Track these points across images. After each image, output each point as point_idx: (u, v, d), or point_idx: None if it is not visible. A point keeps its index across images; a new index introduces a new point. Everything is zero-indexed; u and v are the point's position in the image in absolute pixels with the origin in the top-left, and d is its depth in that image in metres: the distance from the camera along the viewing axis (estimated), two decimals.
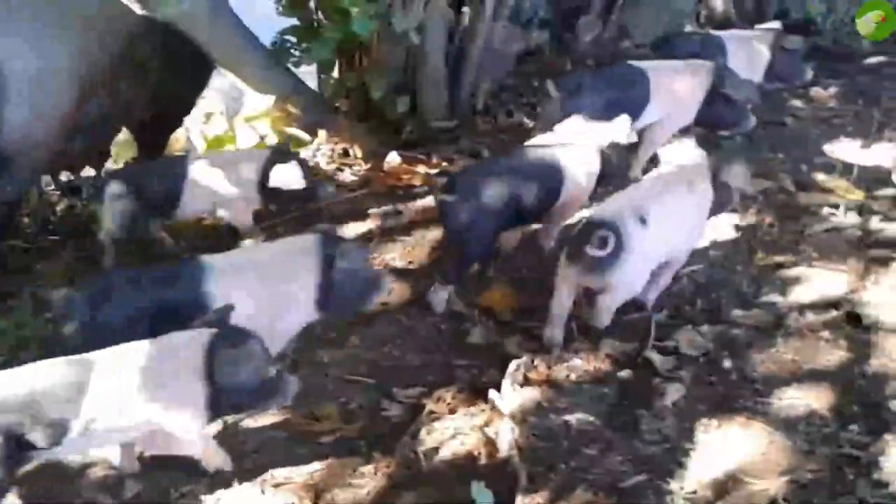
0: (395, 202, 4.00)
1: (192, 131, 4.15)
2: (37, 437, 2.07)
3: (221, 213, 3.59)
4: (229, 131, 4.07)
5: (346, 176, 4.33)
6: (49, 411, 2.07)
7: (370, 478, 2.44)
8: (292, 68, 4.56)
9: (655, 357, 2.81)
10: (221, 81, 4.70)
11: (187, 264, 2.69)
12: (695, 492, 2.29)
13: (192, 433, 2.28)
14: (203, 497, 2.38)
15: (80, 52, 3.68)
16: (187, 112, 4.50)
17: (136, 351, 2.20)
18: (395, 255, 3.59)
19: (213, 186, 3.49)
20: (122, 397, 2.14)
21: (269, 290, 2.57)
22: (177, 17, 3.92)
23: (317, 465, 2.48)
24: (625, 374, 2.78)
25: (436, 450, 2.52)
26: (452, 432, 2.58)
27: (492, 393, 2.66)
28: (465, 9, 4.57)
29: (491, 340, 3.05)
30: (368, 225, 3.82)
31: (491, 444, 2.50)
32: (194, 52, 4.16)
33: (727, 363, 2.79)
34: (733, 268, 3.33)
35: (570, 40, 5.23)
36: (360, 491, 2.39)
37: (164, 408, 2.18)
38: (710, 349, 2.85)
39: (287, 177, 3.54)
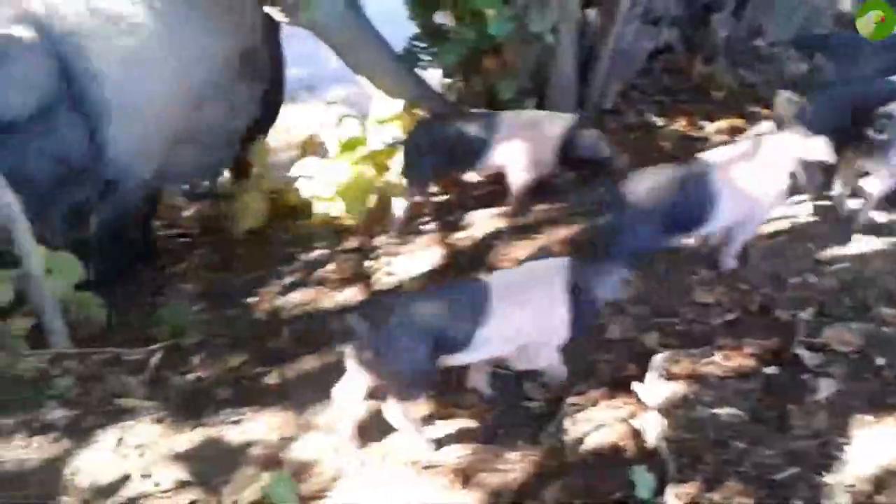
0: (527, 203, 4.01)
1: (325, 133, 4.26)
2: (452, 341, 2.46)
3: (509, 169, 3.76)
4: (362, 133, 4.16)
5: (473, 176, 4.37)
6: (460, 322, 2.47)
7: (517, 465, 2.46)
8: (420, 72, 4.63)
9: (804, 353, 2.74)
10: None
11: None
12: (853, 485, 2.23)
13: (553, 348, 2.64)
14: (355, 476, 2.44)
15: (195, 60, 3.81)
16: (272, 123, 4.69)
17: (518, 275, 2.66)
18: (525, 251, 3.61)
19: (511, 143, 3.67)
20: (511, 315, 2.52)
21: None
22: (317, 24, 4.04)
23: (463, 451, 2.51)
24: (771, 370, 2.72)
25: (580, 440, 2.53)
26: (596, 423, 2.58)
27: (635, 385, 2.65)
28: (596, 9, 4.58)
29: (628, 335, 3.04)
30: (497, 224, 3.85)
31: (636, 435, 2.50)
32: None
33: (880, 360, 2.70)
34: (880, 265, 3.23)
35: (702, 38, 5.15)
36: (507, 476, 2.41)
37: (539, 325, 2.56)
38: (862, 345, 2.76)
39: (590, 143, 3.69)
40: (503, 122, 3.78)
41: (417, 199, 3.89)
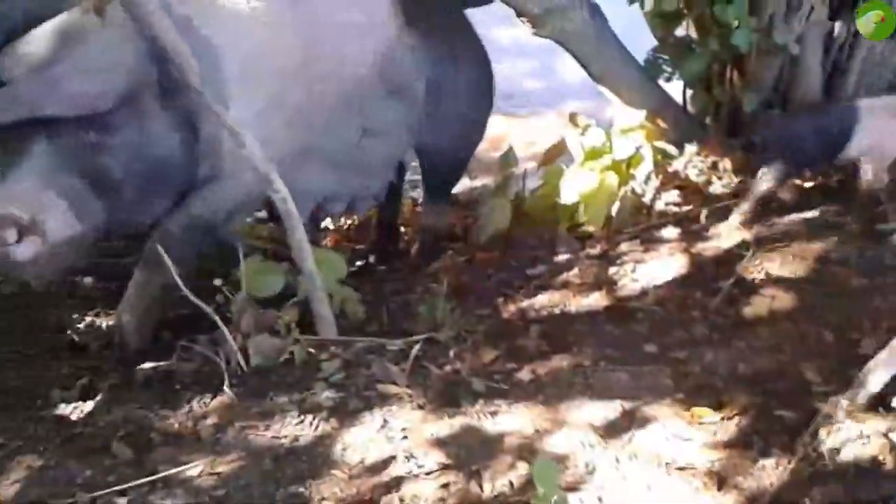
0: (769, 215, 3.94)
1: (570, 142, 4.34)
2: None
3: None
4: (606, 142, 4.22)
5: (717, 188, 4.34)
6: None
7: (772, 470, 2.44)
8: (662, 83, 4.65)
9: None
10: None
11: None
12: None
13: None
14: (608, 471, 2.49)
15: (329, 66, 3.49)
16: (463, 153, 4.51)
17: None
18: (775, 264, 3.54)
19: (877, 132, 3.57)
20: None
21: None
22: (565, 33, 4.15)
23: (716, 455, 2.51)
24: None
25: (837, 451, 2.48)
26: (854, 435, 2.52)
27: None
28: (844, 21, 4.42)
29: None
30: (743, 235, 3.80)
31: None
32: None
33: None
34: None
35: None
36: (763, 482, 2.40)
37: None
38: None
39: None
40: (865, 110, 3.61)
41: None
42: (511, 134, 5.64)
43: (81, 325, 3.59)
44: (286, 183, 3.10)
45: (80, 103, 2.77)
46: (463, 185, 5.29)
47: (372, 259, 4.61)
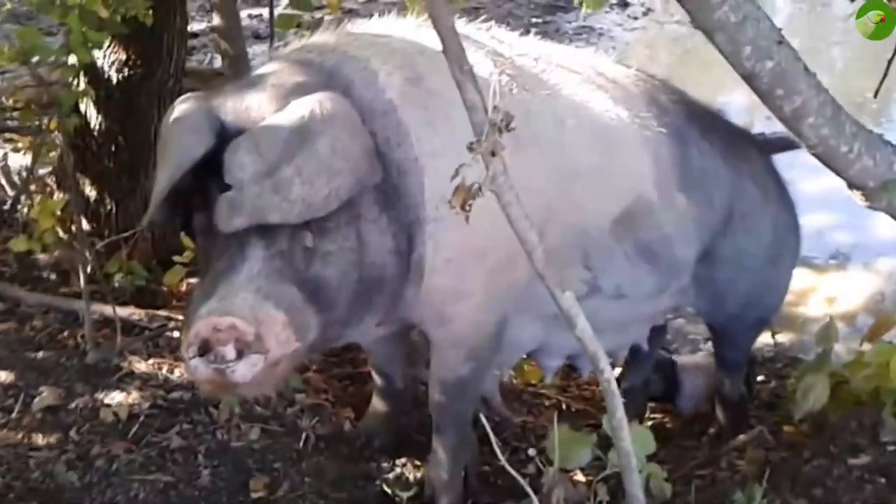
0: None
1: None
2: None
3: None
4: None
5: None
6: None
7: None
8: None
9: None
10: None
11: None
12: None
13: None
14: None
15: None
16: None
17: None
18: None
19: None
20: None
21: None
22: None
23: None
24: None
25: None
26: None
27: None
28: None
29: None
30: None
31: None
32: None
33: None
34: None
35: None
36: None
37: None
38: None
39: None
40: None
41: None
42: (818, 289, 5.39)
43: (390, 475, 3.71)
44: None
45: (305, 209, 2.58)
46: (760, 342, 5.09)
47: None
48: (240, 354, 2.44)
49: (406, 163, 2.84)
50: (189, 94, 2.85)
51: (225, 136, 2.63)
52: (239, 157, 2.55)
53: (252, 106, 2.72)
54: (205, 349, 2.45)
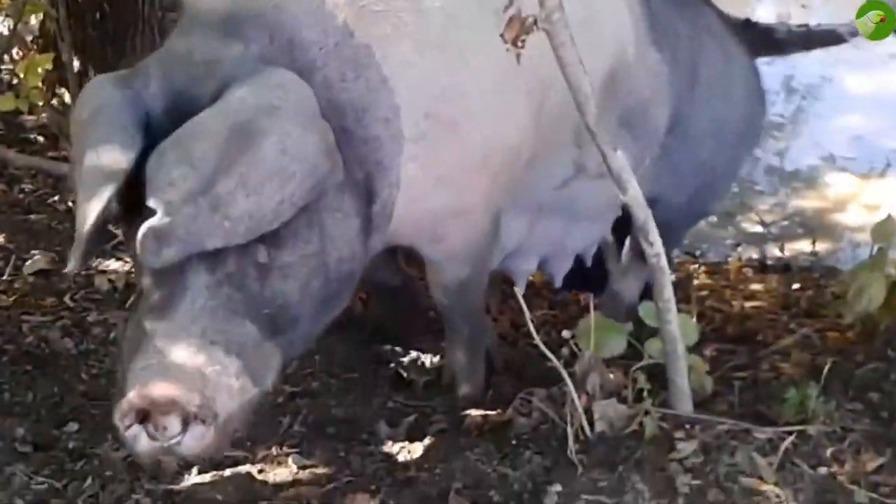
0: None
1: None
2: None
3: None
4: None
5: None
6: None
7: None
8: None
9: None
10: None
11: None
12: None
13: None
14: None
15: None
16: None
17: None
18: None
19: None
20: None
21: None
22: None
23: None
24: None
25: None
26: None
27: None
28: None
29: None
30: None
31: None
32: None
33: None
34: None
35: None
36: None
37: None
38: None
39: None
40: None
41: None
42: (858, 196, 5.12)
43: (405, 359, 3.45)
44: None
45: (253, 225, 2.05)
46: (796, 250, 4.83)
47: None
48: (185, 423, 1.99)
49: (368, 95, 2.34)
50: (105, 76, 2.24)
51: (153, 132, 2.08)
52: (166, 171, 1.97)
53: (182, 89, 2.15)
54: (143, 418, 1.98)
